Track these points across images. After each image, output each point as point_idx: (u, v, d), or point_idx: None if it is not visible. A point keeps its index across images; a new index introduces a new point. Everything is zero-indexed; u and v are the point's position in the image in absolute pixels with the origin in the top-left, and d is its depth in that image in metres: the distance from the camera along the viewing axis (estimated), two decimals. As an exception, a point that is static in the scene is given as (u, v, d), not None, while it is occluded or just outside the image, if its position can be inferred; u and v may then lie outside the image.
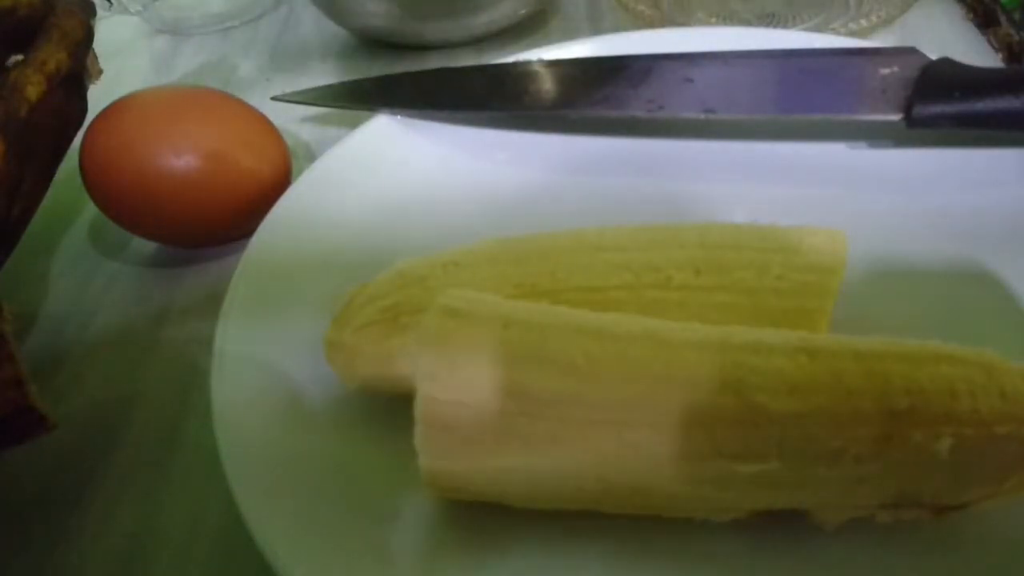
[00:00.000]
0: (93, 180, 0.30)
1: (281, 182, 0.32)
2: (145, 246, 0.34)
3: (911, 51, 0.30)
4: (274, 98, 0.37)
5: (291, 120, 0.39)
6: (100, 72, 0.33)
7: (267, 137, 0.32)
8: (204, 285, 0.32)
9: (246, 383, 0.24)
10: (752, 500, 0.20)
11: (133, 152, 0.29)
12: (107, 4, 0.46)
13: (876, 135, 0.32)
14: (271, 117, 0.33)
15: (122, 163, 0.30)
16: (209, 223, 0.31)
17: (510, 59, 0.35)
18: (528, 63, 0.34)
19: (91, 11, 0.32)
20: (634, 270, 0.24)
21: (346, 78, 0.38)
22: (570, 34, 0.44)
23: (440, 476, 0.20)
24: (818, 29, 0.40)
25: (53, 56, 0.28)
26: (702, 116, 0.31)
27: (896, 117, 0.29)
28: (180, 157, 0.29)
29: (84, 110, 0.32)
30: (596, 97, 0.32)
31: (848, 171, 0.31)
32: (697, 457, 0.19)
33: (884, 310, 0.26)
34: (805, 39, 0.34)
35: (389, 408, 0.24)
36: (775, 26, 0.41)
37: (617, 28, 0.44)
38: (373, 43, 0.46)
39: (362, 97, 0.36)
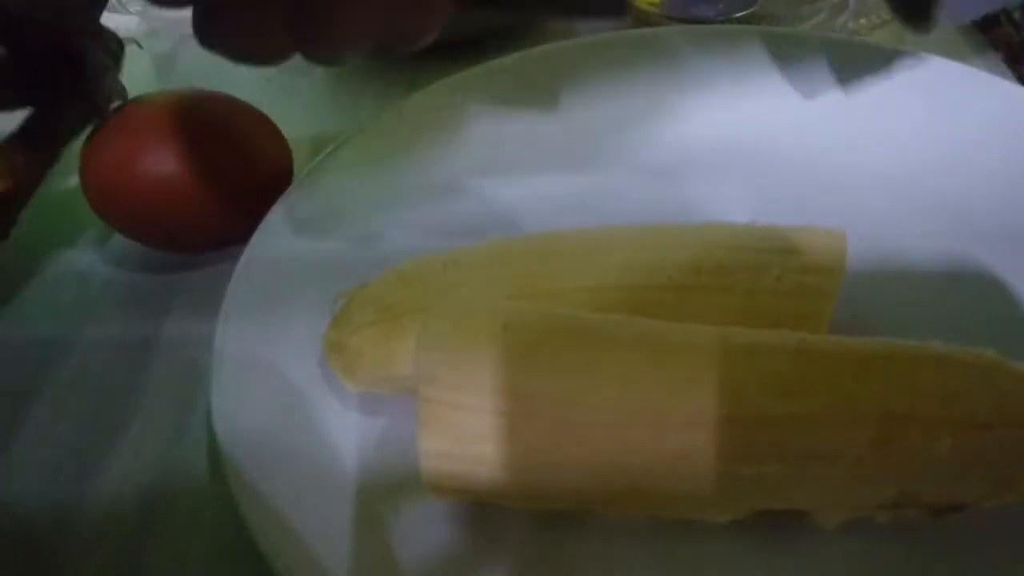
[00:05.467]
0: (93, 185, 0.30)
1: (281, 182, 0.32)
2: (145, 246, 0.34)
3: None
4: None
5: (291, 120, 0.39)
6: None
7: (267, 137, 0.32)
8: (204, 285, 0.32)
9: (246, 383, 0.24)
10: (752, 500, 0.20)
11: (133, 156, 0.29)
12: (107, 4, 0.46)
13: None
14: (271, 117, 0.33)
15: (122, 167, 0.29)
16: (209, 224, 0.31)
17: (509, 58, 0.35)
18: None
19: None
20: (634, 270, 0.24)
21: (345, 78, 0.38)
22: (570, 34, 0.44)
23: (440, 476, 0.20)
24: (818, 29, 0.40)
25: None
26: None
27: None
28: (180, 160, 0.29)
29: (85, 110, 0.32)
30: None
31: (848, 171, 0.31)
32: (696, 458, 0.19)
33: (884, 310, 0.26)
34: (803, 39, 0.34)
35: (389, 408, 0.24)
36: (775, 26, 0.41)
37: (616, 28, 0.44)
38: (373, 43, 0.46)
39: None
